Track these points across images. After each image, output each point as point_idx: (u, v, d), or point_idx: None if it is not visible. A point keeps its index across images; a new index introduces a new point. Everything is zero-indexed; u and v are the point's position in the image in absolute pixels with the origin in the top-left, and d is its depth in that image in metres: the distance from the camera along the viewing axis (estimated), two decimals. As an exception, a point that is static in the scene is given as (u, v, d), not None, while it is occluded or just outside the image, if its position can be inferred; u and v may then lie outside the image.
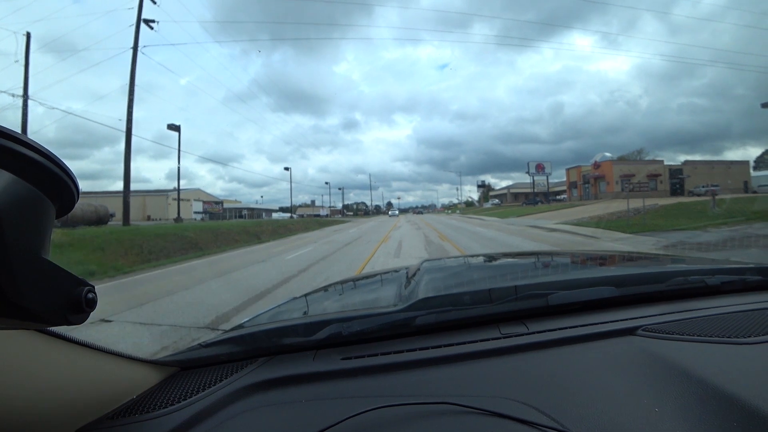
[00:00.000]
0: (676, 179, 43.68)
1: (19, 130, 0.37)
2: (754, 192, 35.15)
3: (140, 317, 4.78)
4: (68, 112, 24.06)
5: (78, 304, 0.40)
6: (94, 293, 0.43)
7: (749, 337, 0.73)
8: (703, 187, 37.83)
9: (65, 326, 0.43)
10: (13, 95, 17.53)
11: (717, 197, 18.54)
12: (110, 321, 4.58)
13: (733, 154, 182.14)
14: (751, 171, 47.96)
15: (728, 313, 0.88)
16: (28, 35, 18.70)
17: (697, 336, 0.75)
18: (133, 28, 19.16)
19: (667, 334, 0.78)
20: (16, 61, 18.32)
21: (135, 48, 19.04)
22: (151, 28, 19.73)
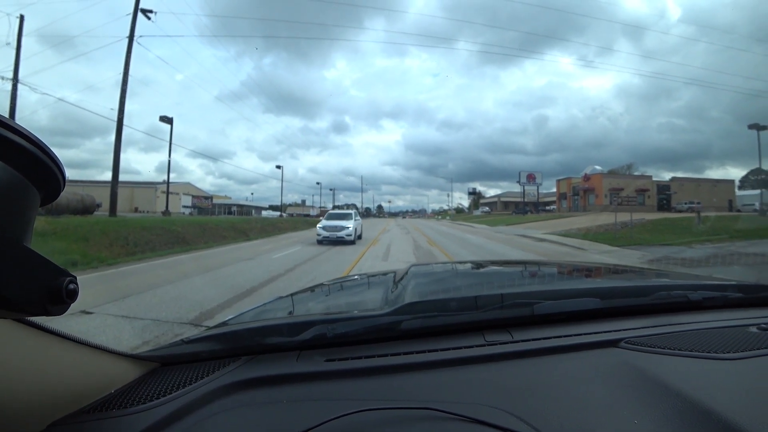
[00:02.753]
0: (664, 195, 44.52)
1: (6, 114, 0.36)
2: (738, 211, 35.95)
3: (122, 310, 4.71)
4: (60, 99, 23.58)
5: (58, 294, 0.39)
6: (76, 284, 0.42)
7: (729, 353, 0.74)
8: (686, 203, 38.72)
9: (43, 316, 0.42)
10: (2, 78, 17.21)
11: (702, 214, 18.88)
12: (91, 313, 4.50)
13: (714, 173, 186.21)
14: (736, 190, 49.16)
15: (709, 328, 0.90)
16: (22, 18, 18.36)
17: (679, 350, 0.76)
18: (130, 17, 18.97)
19: (649, 347, 0.79)
20: (8, 44, 18.01)
21: (131, 37, 18.83)
22: (149, 18, 19.56)
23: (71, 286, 0.41)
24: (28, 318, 0.58)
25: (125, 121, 18.40)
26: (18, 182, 0.35)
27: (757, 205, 31.88)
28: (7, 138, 0.34)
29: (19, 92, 17.49)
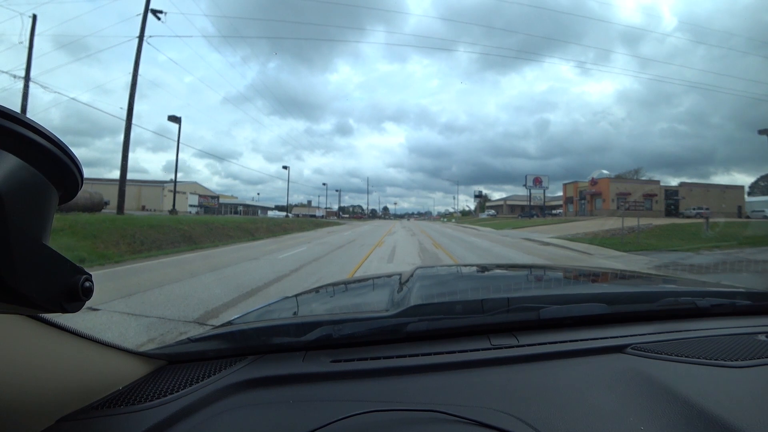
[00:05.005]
0: (672, 200, 44.08)
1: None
2: (748, 217, 35.57)
3: (128, 307, 4.74)
4: (73, 99, 23.99)
5: (75, 292, 0.40)
6: (91, 282, 0.42)
7: (737, 360, 0.74)
8: (694, 209, 38.33)
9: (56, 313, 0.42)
10: (14, 76, 17.43)
11: (711, 220, 18.69)
12: (97, 309, 4.53)
13: (720, 179, 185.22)
14: (746, 196, 48.54)
15: (717, 336, 0.89)
16: (34, 17, 18.61)
17: (686, 357, 0.76)
18: (140, 18, 19.17)
19: (656, 353, 0.79)
20: (20, 43, 18.26)
21: (141, 37, 19.02)
22: (158, 18, 19.75)
23: (87, 284, 0.42)
24: (40, 314, 0.59)
25: (134, 121, 18.59)
26: (39, 181, 0.36)
27: (767, 212, 31.46)
28: (29, 137, 0.34)
29: (31, 91, 17.73)
